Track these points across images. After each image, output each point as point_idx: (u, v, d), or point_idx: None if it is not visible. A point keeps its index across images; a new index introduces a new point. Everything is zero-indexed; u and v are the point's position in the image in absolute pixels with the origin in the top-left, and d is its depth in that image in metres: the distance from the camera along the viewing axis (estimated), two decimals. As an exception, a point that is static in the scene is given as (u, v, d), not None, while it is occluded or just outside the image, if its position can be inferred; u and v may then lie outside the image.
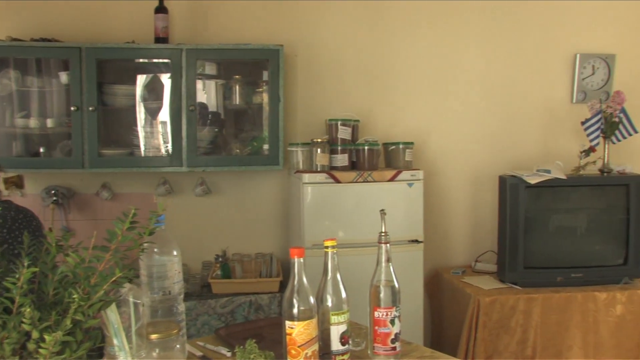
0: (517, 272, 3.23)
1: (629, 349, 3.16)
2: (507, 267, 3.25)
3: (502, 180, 3.29)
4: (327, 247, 1.60)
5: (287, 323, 1.50)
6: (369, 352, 1.70)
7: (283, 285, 3.16)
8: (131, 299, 1.40)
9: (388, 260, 1.68)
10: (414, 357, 1.73)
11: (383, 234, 1.68)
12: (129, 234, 1.26)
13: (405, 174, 3.12)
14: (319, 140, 3.15)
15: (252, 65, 3.38)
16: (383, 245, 1.68)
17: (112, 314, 1.30)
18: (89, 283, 1.15)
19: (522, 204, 3.21)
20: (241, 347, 1.60)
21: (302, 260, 1.52)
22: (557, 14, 3.76)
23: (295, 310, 1.50)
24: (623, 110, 3.39)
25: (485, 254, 3.66)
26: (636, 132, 3.42)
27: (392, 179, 3.10)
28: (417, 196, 3.14)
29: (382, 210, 1.69)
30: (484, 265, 3.60)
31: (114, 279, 1.15)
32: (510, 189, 3.22)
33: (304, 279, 1.52)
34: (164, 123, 3.25)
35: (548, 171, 3.27)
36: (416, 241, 3.13)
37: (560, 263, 3.28)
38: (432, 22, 3.66)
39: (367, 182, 3.08)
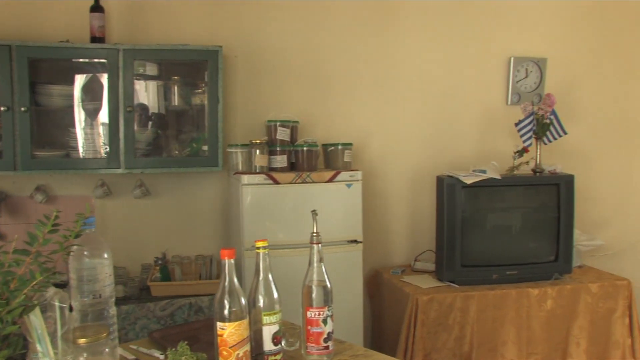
0: (454, 270, 3.30)
1: (559, 342, 3.28)
2: (444, 266, 3.32)
3: (440, 180, 3.36)
4: (258, 248, 1.61)
5: (218, 324, 1.50)
6: (302, 351, 1.72)
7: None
8: (57, 303, 1.36)
9: (320, 260, 1.70)
10: (347, 356, 1.76)
11: (315, 234, 1.70)
12: (53, 236, 1.24)
13: (344, 175, 3.14)
14: (258, 141, 3.14)
15: (192, 66, 3.34)
16: (315, 246, 1.70)
17: (35, 319, 1.27)
18: (8, 288, 1.13)
19: (459, 204, 3.28)
20: (173, 349, 1.59)
21: (232, 261, 1.52)
22: (493, 18, 3.87)
23: (226, 311, 1.50)
24: (553, 112, 3.51)
25: (424, 253, 3.72)
26: (565, 133, 3.55)
27: (330, 180, 3.12)
28: (356, 197, 3.16)
29: (314, 210, 1.71)
30: (423, 265, 3.65)
31: (34, 283, 1.13)
32: (447, 189, 3.28)
33: (235, 280, 1.52)
34: (104, 124, 3.16)
35: (484, 171, 3.35)
36: (355, 241, 3.16)
37: (496, 261, 3.37)
38: (371, 24, 3.71)
39: (306, 182, 3.09)
